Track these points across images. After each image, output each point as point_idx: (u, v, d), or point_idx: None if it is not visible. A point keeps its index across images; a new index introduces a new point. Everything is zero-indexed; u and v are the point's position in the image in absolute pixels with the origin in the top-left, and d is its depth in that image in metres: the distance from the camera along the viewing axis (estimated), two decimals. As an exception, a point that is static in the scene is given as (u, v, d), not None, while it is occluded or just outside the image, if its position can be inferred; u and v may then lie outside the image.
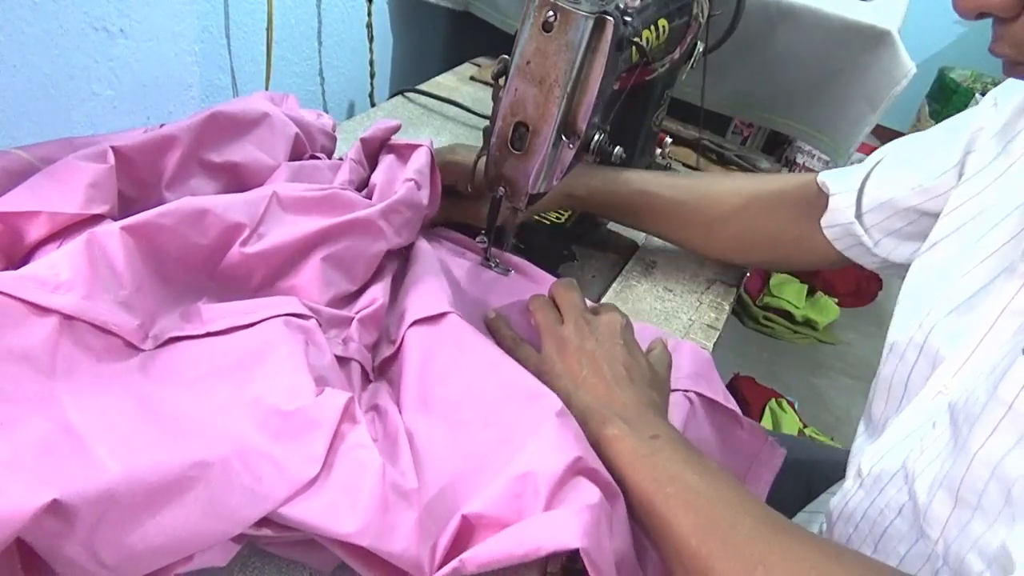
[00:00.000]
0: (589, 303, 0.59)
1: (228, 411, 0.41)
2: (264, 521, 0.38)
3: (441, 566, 0.38)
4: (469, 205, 0.68)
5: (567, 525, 0.38)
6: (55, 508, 0.30)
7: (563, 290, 0.58)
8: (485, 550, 0.38)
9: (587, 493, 0.40)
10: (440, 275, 0.56)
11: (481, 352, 0.50)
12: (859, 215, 0.62)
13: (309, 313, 0.49)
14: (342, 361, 0.49)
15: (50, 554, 0.32)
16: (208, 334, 0.46)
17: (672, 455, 0.43)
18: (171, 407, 0.41)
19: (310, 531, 0.38)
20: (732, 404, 0.60)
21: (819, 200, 0.65)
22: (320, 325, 0.50)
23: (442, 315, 0.51)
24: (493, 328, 0.57)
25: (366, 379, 0.51)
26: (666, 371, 0.56)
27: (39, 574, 0.34)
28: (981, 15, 0.38)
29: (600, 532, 0.39)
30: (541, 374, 0.51)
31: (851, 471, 0.53)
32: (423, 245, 0.61)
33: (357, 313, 0.53)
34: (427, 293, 0.54)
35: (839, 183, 0.63)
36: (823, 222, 0.64)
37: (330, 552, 0.40)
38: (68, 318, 0.41)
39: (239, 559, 0.42)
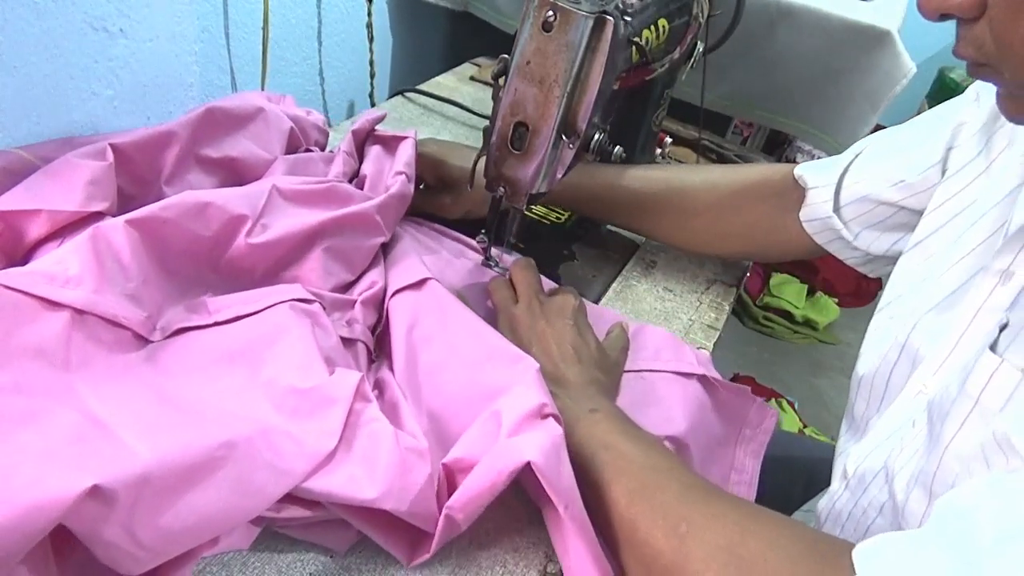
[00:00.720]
0: (547, 284, 0.63)
1: (243, 393, 0.42)
2: (290, 498, 0.39)
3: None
4: (433, 197, 0.70)
5: (523, 446, 0.40)
6: (95, 493, 0.31)
7: (520, 271, 0.59)
8: (461, 494, 0.41)
9: (550, 427, 0.42)
10: (416, 252, 0.59)
11: (463, 317, 0.52)
12: (837, 208, 0.62)
13: (312, 298, 0.51)
14: (348, 342, 0.51)
15: (90, 538, 0.32)
16: (215, 323, 0.47)
17: (609, 426, 0.45)
18: (186, 394, 0.42)
19: (335, 502, 0.40)
20: (704, 369, 0.61)
21: (796, 193, 0.64)
22: (324, 309, 0.51)
23: (422, 282, 0.54)
24: None
25: (369, 359, 0.53)
26: (619, 354, 0.58)
27: (71, 556, 0.35)
28: (943, 16, 0.39)
29: (559, 458, 0.41)
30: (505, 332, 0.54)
31: (837, 471, 0.53)
32: (396, 230, 0.63)
33: (359, 296, 0.55)
34: (407, 267, 0.56)
35: (817, 176, 0.63)
36: (801, 216, 0.64)
37: (345, 532, 0.42)
38: (79, 312, 0.41)
39: (239, 559, 0.42)
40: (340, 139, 0.71)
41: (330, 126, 0.74)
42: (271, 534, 0.43)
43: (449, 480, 0.43)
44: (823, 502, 0.54)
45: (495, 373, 0.48)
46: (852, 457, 0.51)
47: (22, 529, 0.29)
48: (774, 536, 0.36)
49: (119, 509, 0.32)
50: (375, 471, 0.40)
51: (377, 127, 0.70)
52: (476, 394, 0.47)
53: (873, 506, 0.47)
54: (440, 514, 0.41)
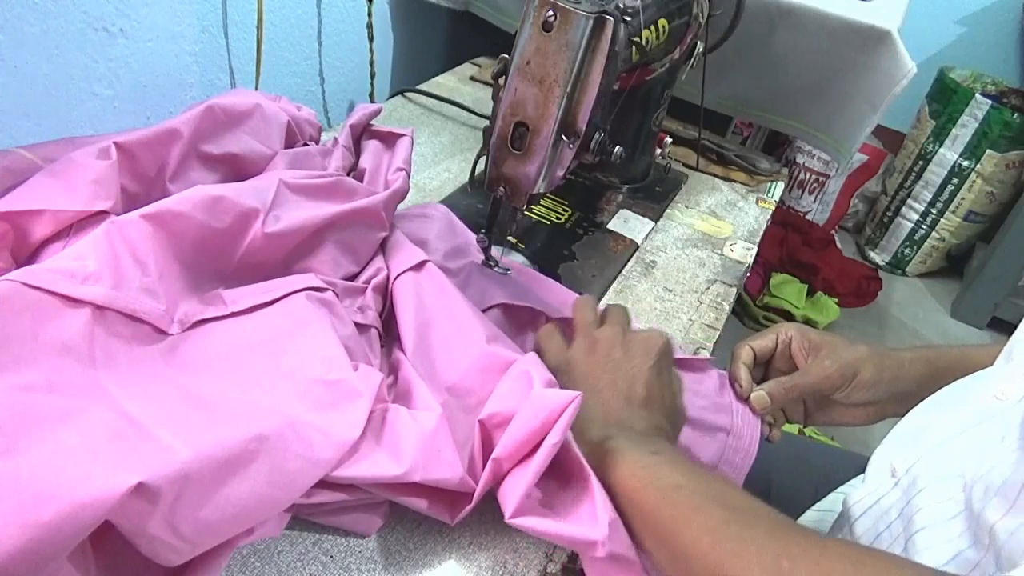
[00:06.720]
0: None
1: (266, 384, 0.43)
2: (319, 484, 0.40)
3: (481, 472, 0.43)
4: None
5: (563, 393, 0.43)
6: (140, 489, 0.32)
7: (613, 307, 0.56)
8: (509, 440, 0.42)
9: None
10: (409, 242, 0.60)
11: (463, 299, 0.55)
12: None
13: (326, 286, 0.52)
14: (361, 328, 0.52)
15: (134, 532, 0.33)
16: (233, 314, 0.47)
17: (673, 467, 0.42)
18: (210, 387, 0.42)
19: (365, 483, 0.42)
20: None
21: None
22: (337, 296, 0.52)
23: (421, 264, 0.56)
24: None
25: (380, 343, 0.54)
26: (681, 399, 0.53)
27: (104, 548, 0.36)
28: None
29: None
30: (563, 367, 0.51)
31: (880, 468, 0.51)
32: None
33: (368, 282, 0.56)
34: (406, 254, 0.58)
35: None
36: None
37: (371, 516, 0.45)
38: (99, 308, 0.41)
39: (239, 559, 0.42)
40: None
41: (330, 126, 0.74)
42: (270, 536, 0.43)
43: (485, 437, 0.45)
44: (857, 497, 0.51)
45: (503, 350, 0.51)
46: (902, 456, 0.49)
47: (71, 525, 0.30)
48: (889, 567, 0.33)
49: (162, 504, 0.33)
50: (399, 452, 0.42)
51: (374, 123, 0.71)
52: (491, 365, 0.50)
53: (935, 509, 0.44)
54: (482, 469, 0.43)
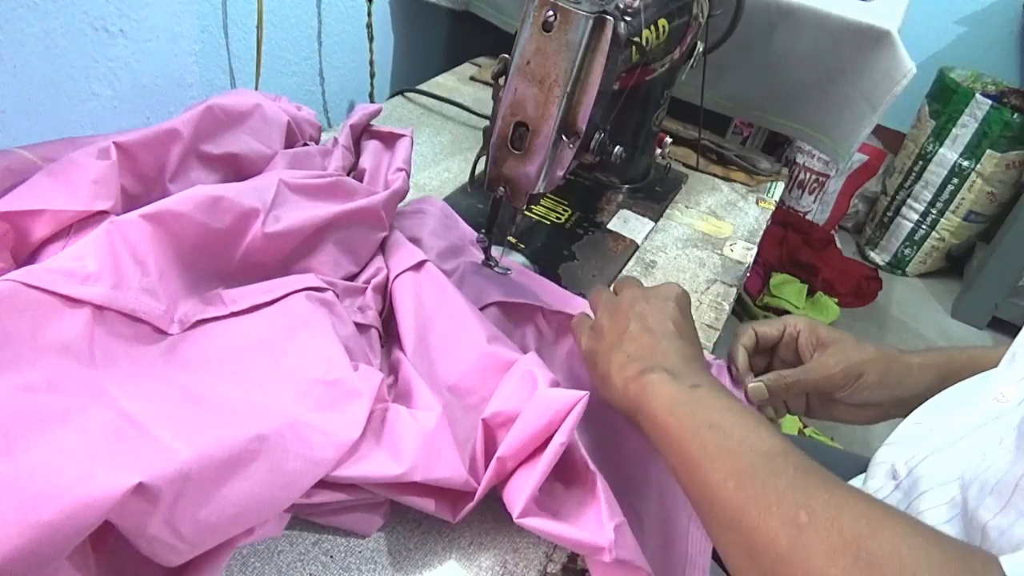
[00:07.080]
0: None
1: (266, 384, 0.43)
2: (319, 484, 0.41)
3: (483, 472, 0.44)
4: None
5: (569, 393, 0.43)
6: (140, 490, 0.32)
7: (623, 277, 0.59)
8: (514, 439, 0.43)
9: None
10: (409, 242, 0.61)
11: (462, 299, 0.55)
12: None
13: (326, 286, 0.52)
14: (361, 328, 0.53)
15: (134, 533, 0.33)
16: (233, 314, 0.48)
17: (713, 403, 0.43)
18: (210, 387, 0.42)
19: (365, 483, 0.42)
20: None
21: None
22: (337, 296, 0.52)
23: (421, 264, 0.56)
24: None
25: (380, 343, 0.55)
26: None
27: (104, 548, 0.36)
28: None
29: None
30: (593, 337, 0.53)
31: (880, 469, 0.51)
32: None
33: (368, 282, 0.56)
34: (405, 253, 0.58)
35: None
36: None
37: (371, 516, 0.45)
38: (99, 308, 0.42)
39: (239, 559, 0.42)
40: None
41: (330, 126, 0.74)
42: (270, 536, 0.43)
43: (488, 436, 0.45)
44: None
45: (503, 350, 0.51)
46: (904, 457, 0.49)
47: (71, 526, 0.30)
48: (906, 532, 0.32)
49: (162, 505, 0.33)
50: (399, 452, 0.42)
51: (374, 123, 0.71)
52: (492, 364, 0.50)
53: (935, 512, 0.44)
54: (484, 468, 0.44)
